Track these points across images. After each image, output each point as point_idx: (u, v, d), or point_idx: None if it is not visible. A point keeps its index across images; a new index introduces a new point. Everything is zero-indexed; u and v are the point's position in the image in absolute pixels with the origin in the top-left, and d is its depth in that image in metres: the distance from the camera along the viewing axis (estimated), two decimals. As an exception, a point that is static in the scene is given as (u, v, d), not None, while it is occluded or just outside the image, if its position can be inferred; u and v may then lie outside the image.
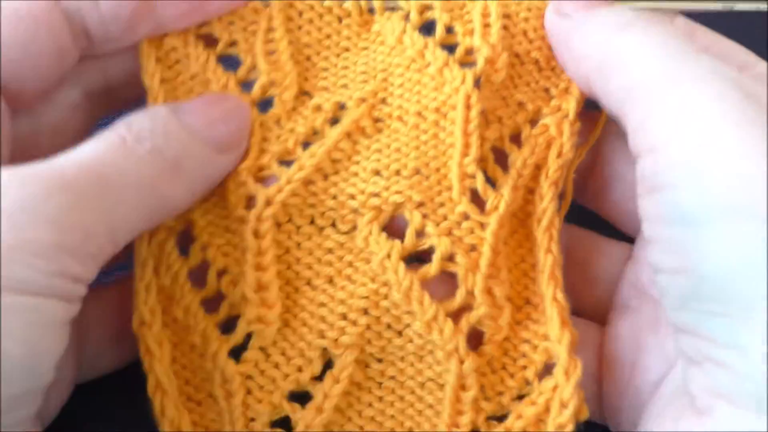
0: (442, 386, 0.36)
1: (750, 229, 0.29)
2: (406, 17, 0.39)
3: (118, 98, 0.39)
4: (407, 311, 0.36)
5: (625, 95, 0.34)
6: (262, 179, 0.37)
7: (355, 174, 0.37)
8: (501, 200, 0.37)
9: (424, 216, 0.37)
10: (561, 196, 0.39)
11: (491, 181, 0.38)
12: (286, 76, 0.38)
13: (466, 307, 0.36)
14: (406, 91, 0.38)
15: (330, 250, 0.37)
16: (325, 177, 0.37)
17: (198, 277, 0.37)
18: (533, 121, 0.39)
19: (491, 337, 0.36)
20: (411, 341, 0.36)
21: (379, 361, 0.37)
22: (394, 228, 0.37)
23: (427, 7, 0.39)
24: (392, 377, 0.37)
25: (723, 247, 0.30)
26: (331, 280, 0.37)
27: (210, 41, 0.39)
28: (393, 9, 0.39)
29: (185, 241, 0.37)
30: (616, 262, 0.40)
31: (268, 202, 0.36)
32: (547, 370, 0.36)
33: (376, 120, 0.38)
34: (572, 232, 0.41)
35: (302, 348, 0.36)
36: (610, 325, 0.39)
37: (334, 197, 0.37)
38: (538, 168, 0.39)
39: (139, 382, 0.35)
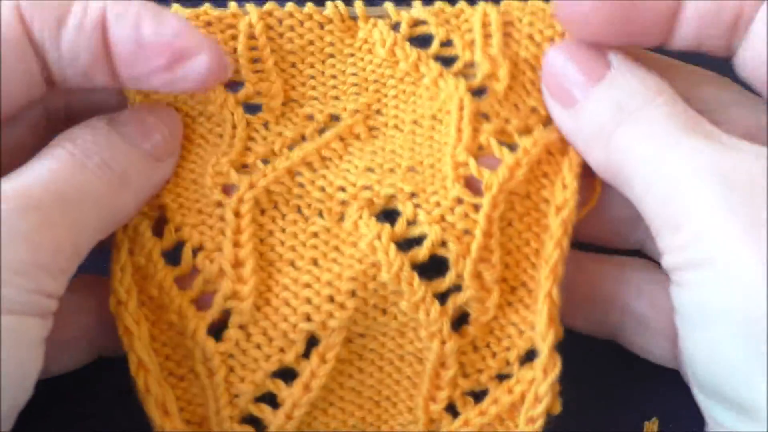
0: (420, 360, 0.37)
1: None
2: (395, 27, 0.38)
3: (79, 120, 0.36)
4: (394, 291, 0.36)
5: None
6: (245, 173, 0.36)
7: (347, 170, 0.37)
8: (495, 179, 0.36)
9: (416, 206, 0.36)
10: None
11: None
12: (271, 85, 0.38)
13: (454, 288, 0.36)
14: (401, 102, 0.38)
15: (315, 234, 0.37)
16: (314, 170, 0.37)
17: (173, 259, 0.36)
18: (547, 123, 0.37)
19: (477, 318, 0.37)
20: (395, 318, 0.37)
21: (362, 336, 0.37)
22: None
23: (418, 21, 0.38)
24: (372, 350, 0.37)
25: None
26: (315, 262, 0.36)
27: None
28: (378, 16, 0.38)
29: (159, 225, 0.36)
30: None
31: (251, 186, 0.36)
32: (528, 356, 0.37)
33: (371, 128, 0.37)
34: None
35: (285, 329, 0.36)
36: None
37: (322, 189, 0.37)
38: (553, 154, 0.37)
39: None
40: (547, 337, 0.36)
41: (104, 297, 0.36)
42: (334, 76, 0.38)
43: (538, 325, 0.36)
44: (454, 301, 0.36)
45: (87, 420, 0.39)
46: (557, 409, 0.37)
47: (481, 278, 0.36)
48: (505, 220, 0.37)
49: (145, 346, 0.35)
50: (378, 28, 0.38)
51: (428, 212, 0.36)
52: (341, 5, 0.38)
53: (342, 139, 0.37)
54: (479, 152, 0.37)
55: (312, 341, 0.36)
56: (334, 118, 0.38)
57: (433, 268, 0.36)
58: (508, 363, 0.37)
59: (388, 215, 0.36)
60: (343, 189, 0.36)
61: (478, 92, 0.37)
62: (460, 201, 0.36)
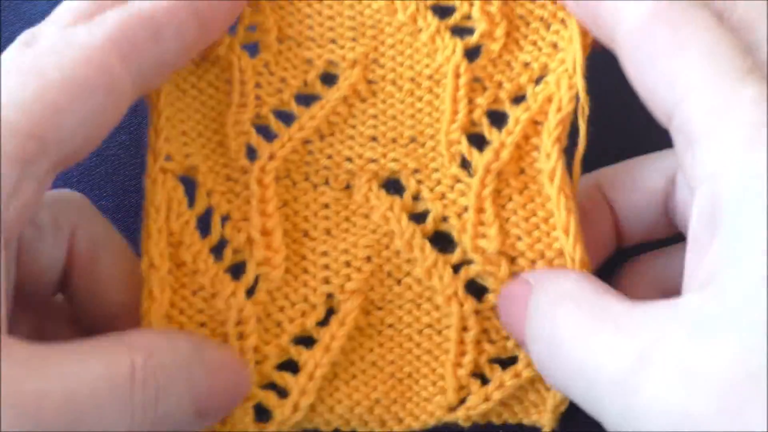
0: (440, 332, 0.38)
1: None
2: None
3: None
4: (408, 259, 0.38)
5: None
6: (262, 131, 0.39)
7: (352, 137, 0.39)
8: (480, 162, 0.38)
9: (419, 182, 0.38)
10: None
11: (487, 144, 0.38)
12: (265, 19, 0.39)
13: (465, 262, 0.38)
14: (398, 54, 0.39)
15: (326, 205, 0.39)
16: (322, 138, 0.39)
17: (200, 225, 0.38)
18: (539, 79, 0.39)
19: (495, 290, 0.37)
20: (410, 288, 0.38)
21: (379, 309, 0.38)
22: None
23: None
24: (390, 325, 0.38)
25: None
26: (329, 232, 0.38)
27: None
28: None
29: (190, 186, 0.38)
30: None
31: (271, 156, 0.38)
32: None
33: (370, 82, 0.39)
34: None
35: (306, 294, 0.38)
36: None
37: (330, 157, 0.39)
38: (539, 123, 0.38)
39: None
40: None
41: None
42: (331, 18, 0.39)
43: None
44: (467, 272, 0.38)
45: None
46: None
47: (484, 253, 0.37)
48: (505, 196, 0.38)
49: (163, 314, 0.36)
50: None
51: (431, 189, 0.38)
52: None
53: (346, 99, 0.39)
54: (472, 128, 0.38)
55: (330, 312, 0.38)
56: (332, 64, 0.39)
57: (444, 244, 0.38)
58: None
59: (391, 185, 0.39)
60: (350, 159, 0.39)
61: (473, 50, 0.39)
62: (458, 180, 0.38)
